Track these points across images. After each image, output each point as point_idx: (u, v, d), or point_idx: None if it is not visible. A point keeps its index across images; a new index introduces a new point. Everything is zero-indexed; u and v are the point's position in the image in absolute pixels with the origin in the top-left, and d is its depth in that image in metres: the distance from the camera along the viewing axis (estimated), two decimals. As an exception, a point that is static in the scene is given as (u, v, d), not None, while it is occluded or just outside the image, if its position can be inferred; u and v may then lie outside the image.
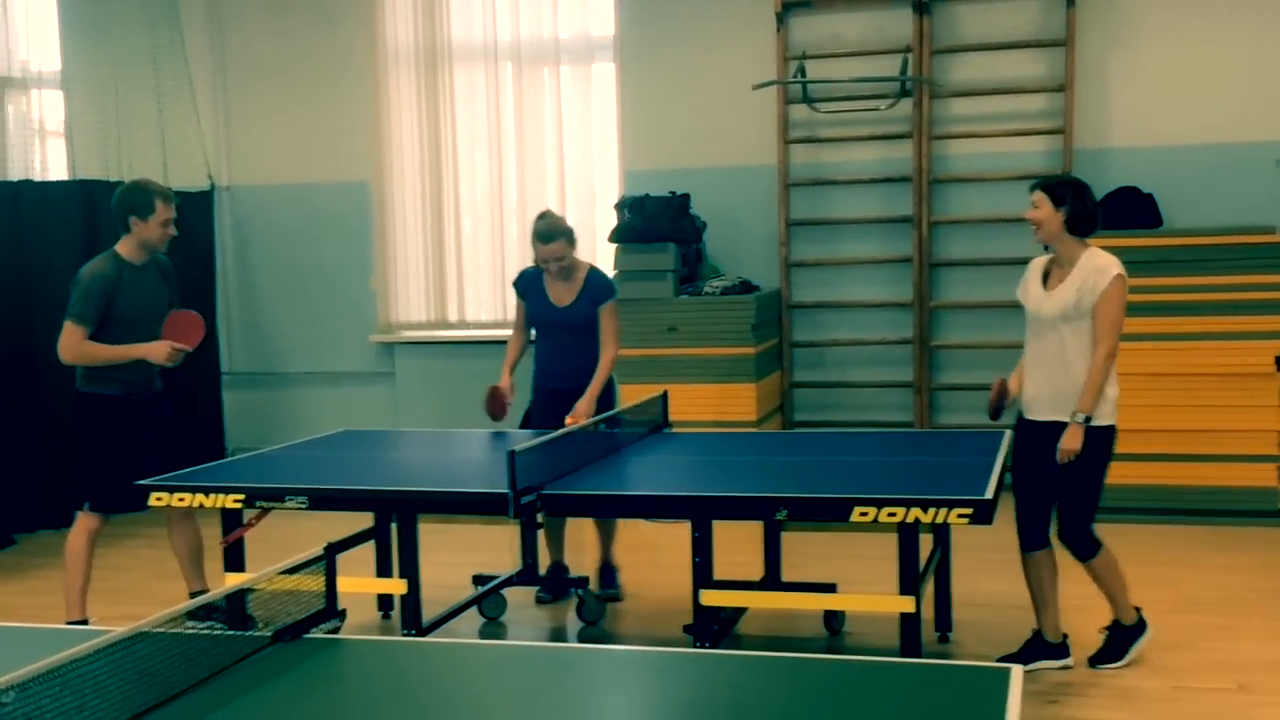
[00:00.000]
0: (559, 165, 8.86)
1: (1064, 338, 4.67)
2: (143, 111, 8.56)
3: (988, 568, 6.12)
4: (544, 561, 5.99)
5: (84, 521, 5.40)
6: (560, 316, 5.87)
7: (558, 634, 5.70)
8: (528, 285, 5.97)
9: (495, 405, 5.89)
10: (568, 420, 5.53)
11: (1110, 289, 4.58)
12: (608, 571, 6.10)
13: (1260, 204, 7.56)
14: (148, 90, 8.60)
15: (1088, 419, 4.60)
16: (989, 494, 4.12)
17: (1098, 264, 4.63)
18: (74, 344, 5.25)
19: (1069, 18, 7.80)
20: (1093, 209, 4.71)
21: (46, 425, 7.59)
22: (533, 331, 6.06)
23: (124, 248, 5.40)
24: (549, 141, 8.86)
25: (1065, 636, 4.89)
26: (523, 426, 5.95)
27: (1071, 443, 4.60)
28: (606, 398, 5.87)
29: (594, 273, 5.92)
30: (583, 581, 5.74)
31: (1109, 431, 4.69)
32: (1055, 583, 4.84)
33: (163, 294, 5.52)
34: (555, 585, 5.98)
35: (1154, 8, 7.82)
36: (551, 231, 5.77)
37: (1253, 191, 7.64)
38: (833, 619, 5.37)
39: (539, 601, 5.99)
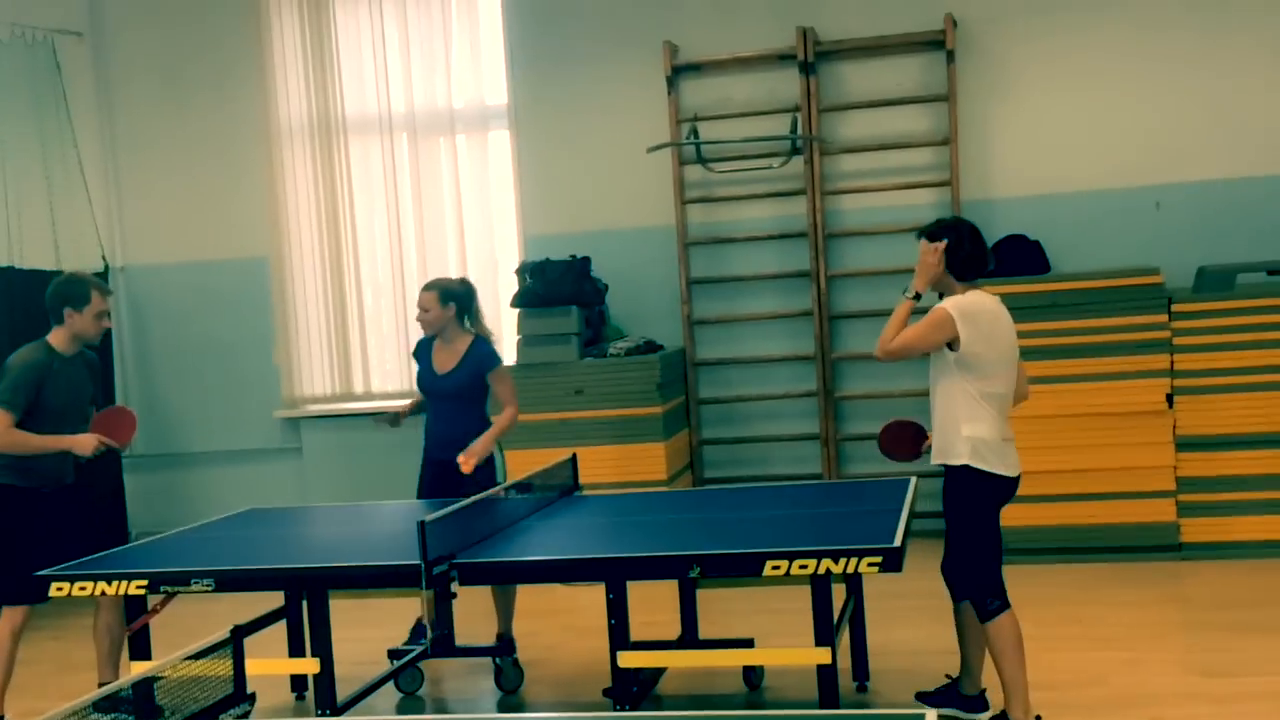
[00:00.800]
0: (459, 233, 8.87)
1: (931, 379, 4.65)
2: (32, 193, 8.44)
3: (902, 615, 6.19)
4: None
5: (7, 616, 5.27)
6: (438, 384, 5.95)
7: (477, 705, 5.63)
8: (421, 351, 6.11)
9: (393, 424, 6.20)
10: (460, 458, 5.64)
11: (930, 313, 4.53)
12: (503, 643, 5.94)
13: (1143, 247, 7.80)
14: (36, 171, 8.49)
15: (914, 295, 4.60)
16: (897, 542, 4.18)
17: (945, 301, 4.57)
18: (1, 431, 5.16)
19: (950, 73, 8.03)
20: (974, 250, 4.61)
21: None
22: None
23: (56, 338, 5.35)
24: (448, 209, 8.88)
25: (983, 690, 4.81)
26: (419, 497, 5.99)
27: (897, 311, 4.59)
28: (489, 466, 5.90)
29: (478, 342, 5.97)
30: (502, 649, 5.69)
31: (969, 474, 4.50)
32: (979, 635, 4.69)
33: (88, 388, 5.48)
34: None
35: (1031, 61, 8.08)
36: (428, 282, 6.07)
37: (1135, 235, 7.89)
38: (751, 674, 5.38)
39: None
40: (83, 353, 5.48)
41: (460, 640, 5.82)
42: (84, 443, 5.25)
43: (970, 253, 4.60)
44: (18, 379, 5.20)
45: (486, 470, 5.88)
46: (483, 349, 5.97)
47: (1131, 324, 7.19)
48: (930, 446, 4.74)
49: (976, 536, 4.56)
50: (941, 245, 4.58)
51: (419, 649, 5.66)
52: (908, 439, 5.00)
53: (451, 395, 5.91)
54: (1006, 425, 4.59)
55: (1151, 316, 7.18)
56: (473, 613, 6.41)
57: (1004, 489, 4.59)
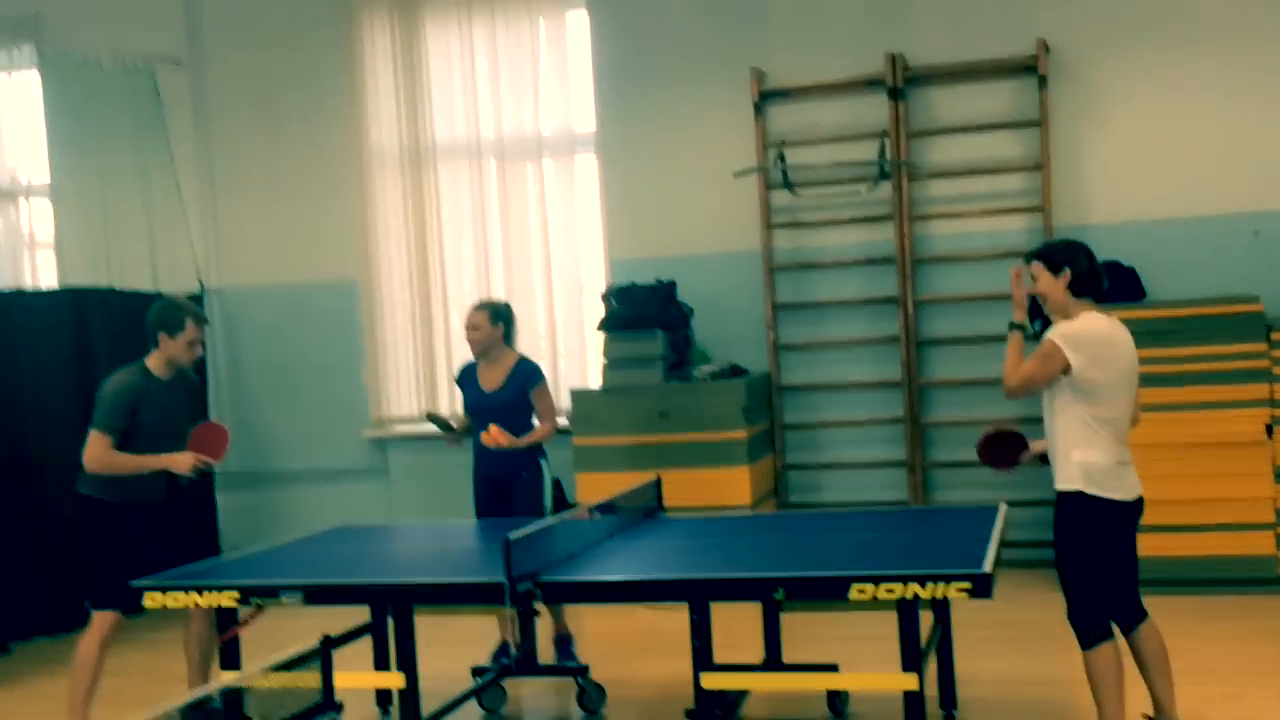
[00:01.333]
0: (545, 257, 8.94)
1: (1045, 406, 4.55)
2: (131, 217, 8.65)
3: (990, 644, 6.09)
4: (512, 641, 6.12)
5: (98, 622, 5.36)
6: (488, 401, 6.19)
7: (558, 726, 5.64)
8: (466, 376, 6.36)
9: (451, 441, 6.44)
10: (486, 435, 5.96)
11: (1041, 345, 4.44)
12: (563, 643, 6.16)
13: (1241, 274, 7.63)
14: (136, 196, 8.70)
15: (1019, 326, 4.56)
16: (987, 568, 4.11)
17: (1058, 326, 4.48)
18: (100, 454, 5.29)
19: (1042, 98, 7.94)
20: (1092, 267, 4.53)
21: (41, 532, 7.55)
22: None
23: (152, 362, 5.48)
24: (534, 234, 8.95)
25: None
26: (477, 517, 6.25)
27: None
28: (536, 482, 6.15)
29: (522, 361, 6.27)
30: (583, 670, 5.69)
31: (1081, 500, 4.40)
32: (1163, 664, 4.49)
33: (185, 411, 5.58)
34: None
35: (1126, 85, 7.97)
36: (478, 303, 6.35)
37: (1233, 262, 7.73)
38: (836, 699, 5.33)
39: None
40: (184, 376, 5.59)
41: (543, 660, 5.89)
42: (181, 461, 5.35)
43: (1089, 269, 4.52)
44: (112, 403, 5.32)
45: (534, 487, 6.15)
46: (528, 366, 6.27)
47: (1230, 352, 7.04)
48: (1030, 458, 4.66)
49: (1085, 563, 4.45)
50: (1066, 277, 4.50)
51: (501, 666, 5.68)
52: (1008, 449, 4.89)
53: (500, 411, 6.13)
54: (1124, 449, 4.49)
55: (1251, 345, 7.02)
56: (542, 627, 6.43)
57: (1122, 513, 4.47)
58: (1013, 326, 4.61)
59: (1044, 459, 4.72)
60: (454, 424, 6.43)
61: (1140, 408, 4.70)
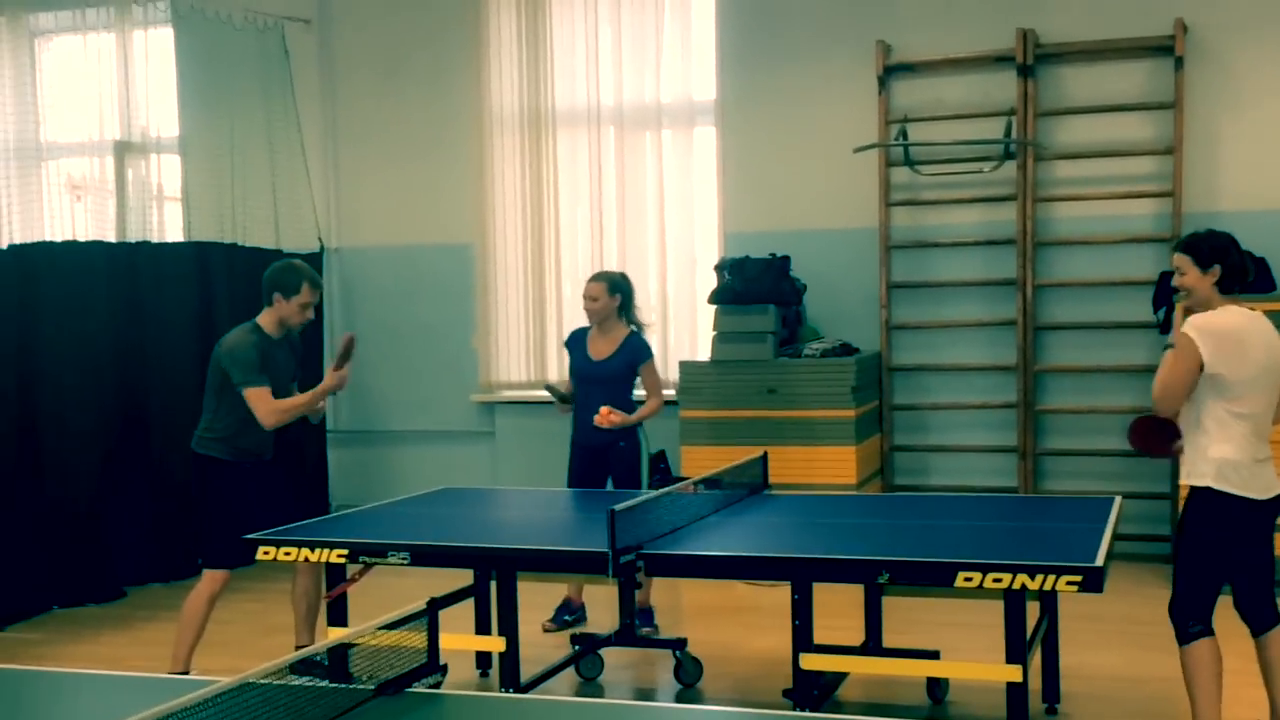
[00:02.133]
0: (659, 227, 8.92)
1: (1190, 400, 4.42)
2: (257, 175, 8.81)
3: (1097, 639, 5.98)
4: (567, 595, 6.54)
5: (208, 579, 5.50)
6: (594, 370, 6.33)
7: (655, 695, 5.66)
8: (575, 342, 6.51)
9: (563, 408, 6.50)
10: (603, 411, 6.08)
11: (1176, 341, 4.30)
12: (644, 614, 6.23)
13: (1379, 268, 7.35)
14: (262, 154, 8.85)
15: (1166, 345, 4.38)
16: (1099, 561, 4.02)
17: (1189, 320, 4.34)
18: (270, 406, 5.41)
19: (1177, 80, 7.70)
20: (1240, 262, 4.37)
21: (159, 482, 7.77)
22: None
23: (264, 320, 5.59)
24: (650, 204, 8.93)
25: None
26: (569, 485, 6.39)
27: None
28: (634, 454, 6.28)
29: (633, 335, 6.40)
30: (680, 643, 5.70)
31: (1207, 496, 4.27)
32: (1205, 677, 4.29)
33: (290, 368, 5.70)
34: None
35: (1265, 69, 7.69)
36: (597, 274, 6.53)
37: (1371, 255, 7.43)
38: (936, 687, 5.26)
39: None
40: (288, 334, 5.68)
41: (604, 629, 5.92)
42: (332, 381, 5.53)
43: (1238, 263, 4.37)
44: (246, 358, 5.43)
45: (632, 456, 6.28)
46: (638, 340, 6.39)
47: (1363, 350, 6.76)
48: (1181, 447, 4.47)
49: (1200, 557, 4.33)
50: (1215, 273, 4.35)
51: (602, 637, 5.72)
52: (1162, 434, 4.73)
53: (605, 381, 6.29)
54: (1262, 446, 4.32)
55: (1386, 343, 6.74)
56: (658, 607, 6.46)
57: (1253, 511, 4.31)
58: (1166, 348, 4.43)
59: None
60: (567, 393, 6.48)
61: None
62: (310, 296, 5.58)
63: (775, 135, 8.59)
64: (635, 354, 6.33)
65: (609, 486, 6.34)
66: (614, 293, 6.35)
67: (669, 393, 8.51)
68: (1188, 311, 4.47)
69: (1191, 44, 7.70)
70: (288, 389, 5.64)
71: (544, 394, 8.78)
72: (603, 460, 6.32)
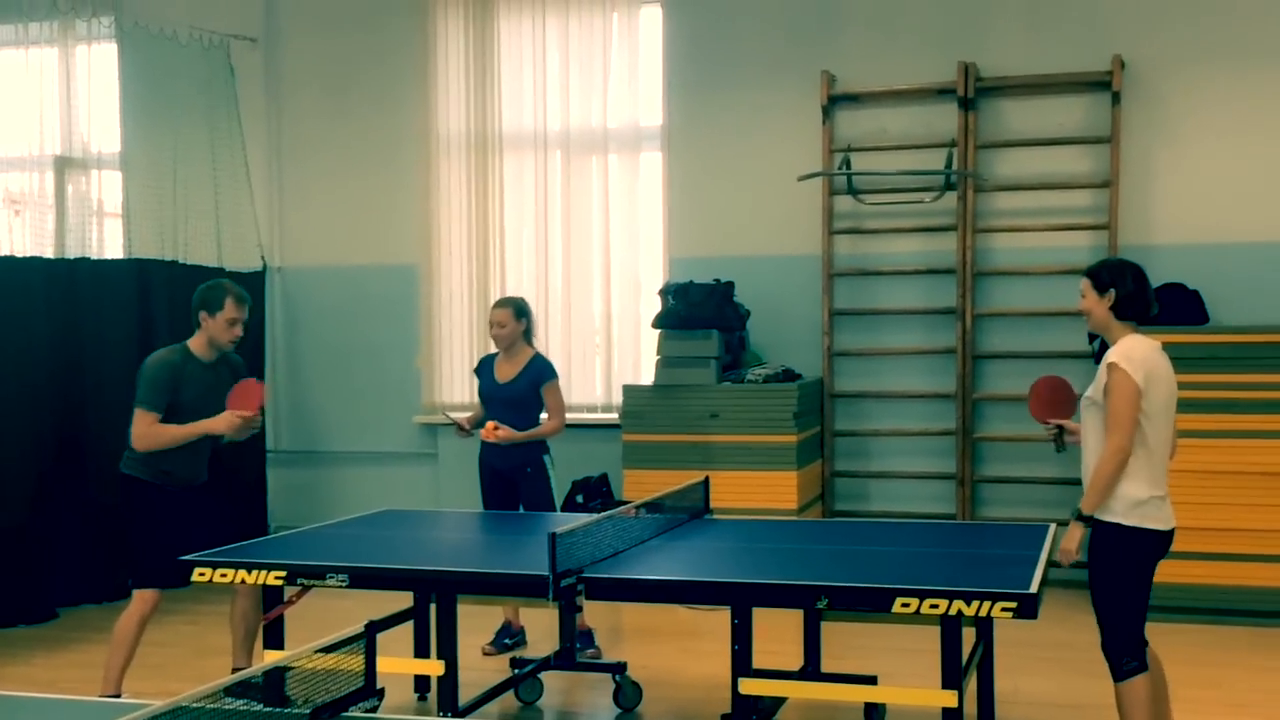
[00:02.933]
0: (604, 251, 8.94)
1: (1088, 429, 4.47)
2: (199, 192, 8.74)
3: (1031, 664, 6.04)
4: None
5: (138, 600, 5.43)
6: (501, 392, 6.47)
7: (594, 718, 5.65)
8: (483, 367, 6.66)
9: (461, 433, 6.64)
10: (488, 425, 6.27)
11: (1110, 380, 4.31)
12: (583, 637, 6.26)
13: (1308, 302, 7.51)
14: (205, 171, 8.78)
15: (1084, 517, 4.33)
16: (1033, 588, 4.07)
17: (1109, 353, 4.40)
18: (145, 429, 5.37)
19: (1114, 114, 7.84)
20: (1139, 290, 4.45)
21: (92, 501, 7.66)
22: None
23: (194, 342, 5.55)
24: (595, 228, 8.96)
25: None
26: (485, 508, 6.49)
27: (1066, 542, 4.34)
28: (541, 479, 6.40)
29: (537, 357, 6.56)
30: (620, 667, 5.70)
31: (1120, 532, 4.31)
32: (1140, 713, 4.36)
33: (226, 390, 5.58)
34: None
35: (1200, 105, 7.86)
36: (501, 300, 6.65)
37: (1300, 289, 7.60)
38: (873, 712, 5.30)
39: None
40: (226, 358, 5.61)
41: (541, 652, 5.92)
42: (220, 422, 5.37)
43: (1135, 292, 4.45)
44: (152, 379, 5.39)
45: (541, 481, 6.39)
46: (542, 362, 6.57)
47: (1292, 382, 6.92)
48: (1054, 431, 4.68)
49: (1122, 594, 4.37)
50: (1110, 298, 4.44)
51: (541, 660, 5.71)
52: (1058, 404, 4.83)
53: (510, 403, 6.42)
54: (1163, 480, 4.39)
55: (1314, 375, 6.90)
56: (598, 630, 6.45)
57: (1159, 544, 4.39)
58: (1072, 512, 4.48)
59: (1057, 443, 4.78)
60: (465, 424, 6.60)
61: (1177, 435, 4.60)
62: (236, 312, 5.49)
63: (721, 162, 8.66)
64: (540, 374, 6.48)
65: (520, 511, 6.39)
66: (520, 317, 6.50)
67: (612, 416, 8.56)
68: (1092, 338, 4.53)
69: (1129, 80, 7.86)
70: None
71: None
72: (510, 485, 6.44)
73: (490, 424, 6.30)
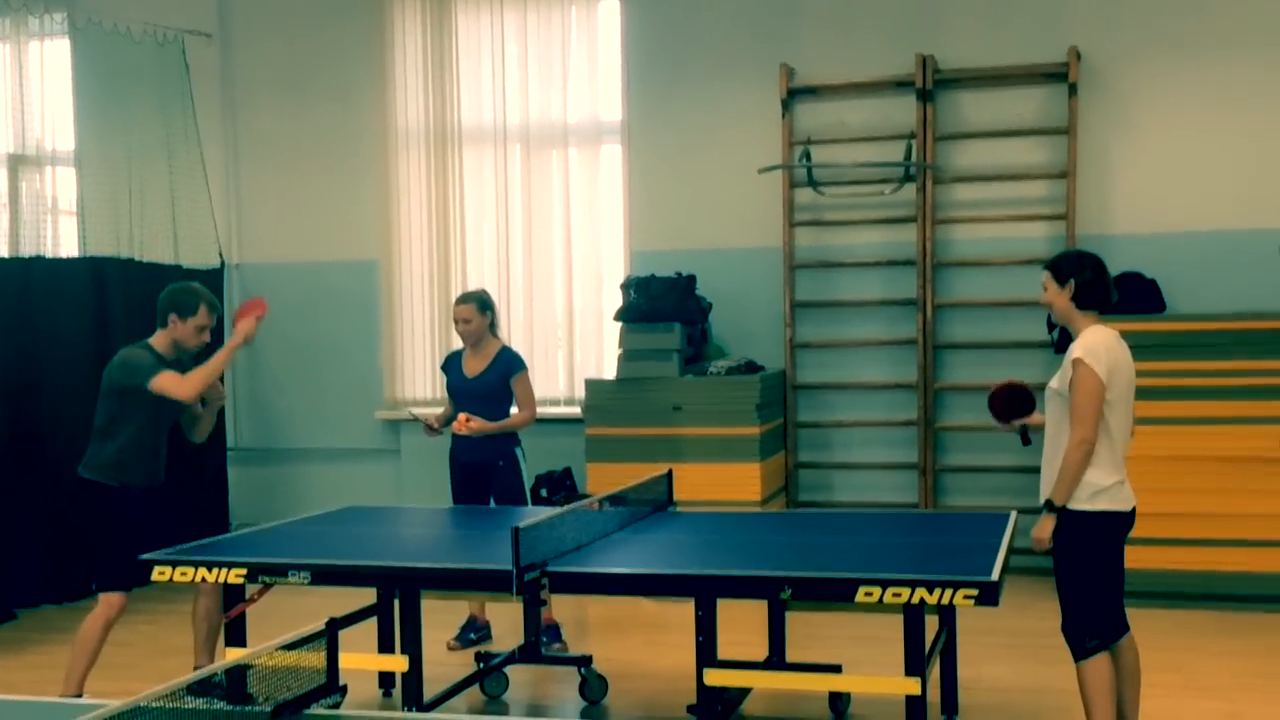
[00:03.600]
0: (565, 245, 8.93)
1: (1051, 418, 4.54)
2: (155, 189, 8.65)
3: (994, 651, 6.09)
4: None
5: (104, 604, 5.37)
6: (469, 386, 6.44)
7: (560, 712, 5.64)
8: (450, 363, 6.63)
9: (430, 433, 6.63)
10: (463, 417, 6.25)
11: (1074, 375, 4.38)
12: (550, 630, 6.29)
13: (1263, 290, 7.58)
14: (160, 168, 8.70)
15: (1053, 508, 4.39)
16: (995, 575, 4.10)
17: (1073, 346, 4.46)
18: (178, 381, 5.34)
19: (1071, 105, 7.90)
20: (1098, 279, 4.52)
21: (51, 501, 7.58)
22: None
23: (158, 341, 5.51)
24: (556, 222, 8.95)
25: None
26: (454, 502, 6.48)
27: (1038, 531, 4.41)
28: (513, 472, 6.39)
29: (505, 350, 6.53)
30: (586, 660, 5.70)
31: (1084, 518, 4.39)
32: (1135, 680, 4.52)
33: None
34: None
35: (1156, 96, 7.92)
36: (464, 295, 6.60)
37: (1256, 278, 7.67)
38: (838, 700, 5.32)
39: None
40: (180, 360, 5.57)
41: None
42: (239, 334, 5.55)
43: (1094, 280, 4.51)
44: (140, 360, 5.36)
45: (513, 473, 6.38)
46: (509, 354, 6.53)
47: (1249, 368, 7.00)
48: (1019, 426, 4.79)
49: (1085, 576, 4.43)
50: (1070, 289, 4.48)
51: (506, 654, 5.70)
52: (1017, 406, 4.88)
53: (479, 396, 6.40)
54: (1121, 466, 4.47)
55: (1271, 362, 6.98)
56: (564, 624, 6.45)
57: (1122, 524, 4.48)
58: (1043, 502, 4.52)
59: (1023, 437, 4.86)
60: (434, 422, 6.58)
61: (1134, 422, 4.65)
62: (208, 319, 5.50)
63: (681, 155, 8.66)
64: (509, 366, 6.46)
65: (491, 504, 6.38)
66: (484, 311, 6.48)
67: (574, 410, 8.55)
68: (1051, 327, 4.58)
69: (1085, 71, 7.92)
70: (176, 416, 5.55)
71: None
72: (483, 478, 6.41)
73: (462, 416, 6.28)
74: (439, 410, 6.81)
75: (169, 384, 5.31)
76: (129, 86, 8.55)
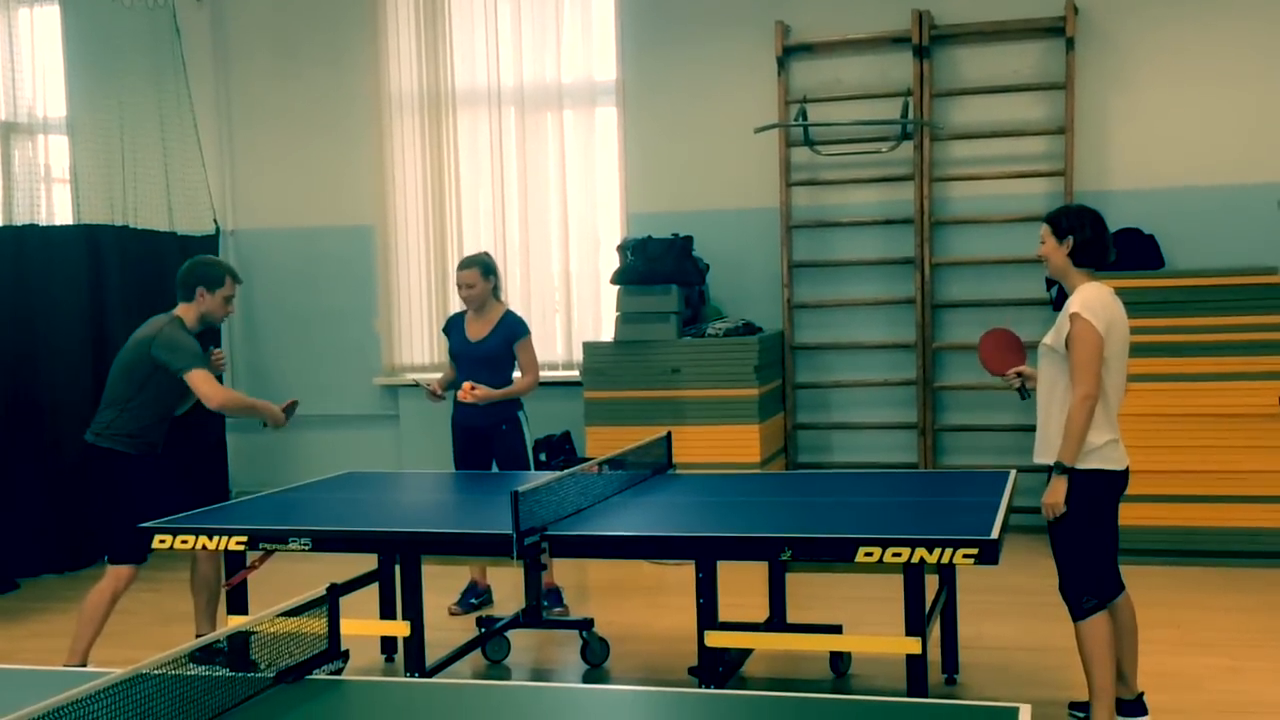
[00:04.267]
0: (562, 208, 8.90)
1: (1044, 376, 4.52)
2: (148, 156, 8.61)
3: (994, 610, 6.11)
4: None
5: (112, 576, 5.37)
6: (473, 350, 6.41)
7: (562, 676, 5.67)
8: (452, 326, 6.57)
9: (433, 398, 6.53)
10: (467, 385, 6.20)
11: (1073, 330, 4.34)
12: (552, 595, 6.31)
13: (1262, 245, 7.57)
14: (153, 135, 8.65)
15: (1063, 469, 4.36)
16: (994, 534, 4.09)
17: (1070, 302, 4.43)
18: (216, 388, 5.41)
19: (1069, 61, 7.85)
20: (1097, 237, 4.48)
21: (51, 469, 7.58)
22: None
23: (184, 313, 5.52)
24: (552, 184, 8.91)
25: (1140, 695, 4.63)
26: (456, 467, 6.46)
27: (1050, 496, 4.37)
28: (517, 432, 6.37)
29: (509, 314, 6.49)
30: (587, 623, 5.71)
31: (1085, 477, 4.36)
32: (1132, 637, 4.57)
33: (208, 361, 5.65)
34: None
35: (1154, 50, 7.88)
36: (467, 260, 6.49)
37: (1254, 233, 7.66)
38: (839, 661, 5.34)
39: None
40: (205, 332, 5.64)
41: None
42: (277, 414, 5.68)
43: (1093, 238, 4.47)
44: (189, 345, 5.38)
45: (516, 437, 6.36)
46: (513, 319, 6.48)
47: (1247, 324, 6.99)
48: (1014, 377, 4.73)
49: (1081, 535, 4.43)
50: (1068, 245, 4.46)
51: (508, 619, 5.71)
52: (1009, 355, 4.87)
53: (483, 360, 6.37)
54: (1114, 424, 4.45)
55: (1269, 317, 6.97)
56: (565, 587, 6.46)
57: (1115, 483, 4.47)
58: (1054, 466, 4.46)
59: (1021, 392, 4.79)
60: (436, 388, 6.51)
61: (1133, 379, 4.64)
62: (232, 290, 5.59)
63: (676, 116, 8.61)
64: (512, 330, 6.43)
65: (494, 468, 6.37)
66: (488, 275, 6.43)
67: (573, 373, 8.54)
68: (1049, 284, 4.55)
69: (1082, 25, 7.86)
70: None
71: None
72: (485, 442, 6.39)
73: (466, 385, 6.22)
74: (439, 375, 6.78)
75: (202, 384, 5.35)
76: (120, 52, 8.49)
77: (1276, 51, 7.70)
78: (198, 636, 5.43)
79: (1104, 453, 4.40)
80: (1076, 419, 4.33)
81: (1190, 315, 7.06)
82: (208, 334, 5.72)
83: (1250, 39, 7.73)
